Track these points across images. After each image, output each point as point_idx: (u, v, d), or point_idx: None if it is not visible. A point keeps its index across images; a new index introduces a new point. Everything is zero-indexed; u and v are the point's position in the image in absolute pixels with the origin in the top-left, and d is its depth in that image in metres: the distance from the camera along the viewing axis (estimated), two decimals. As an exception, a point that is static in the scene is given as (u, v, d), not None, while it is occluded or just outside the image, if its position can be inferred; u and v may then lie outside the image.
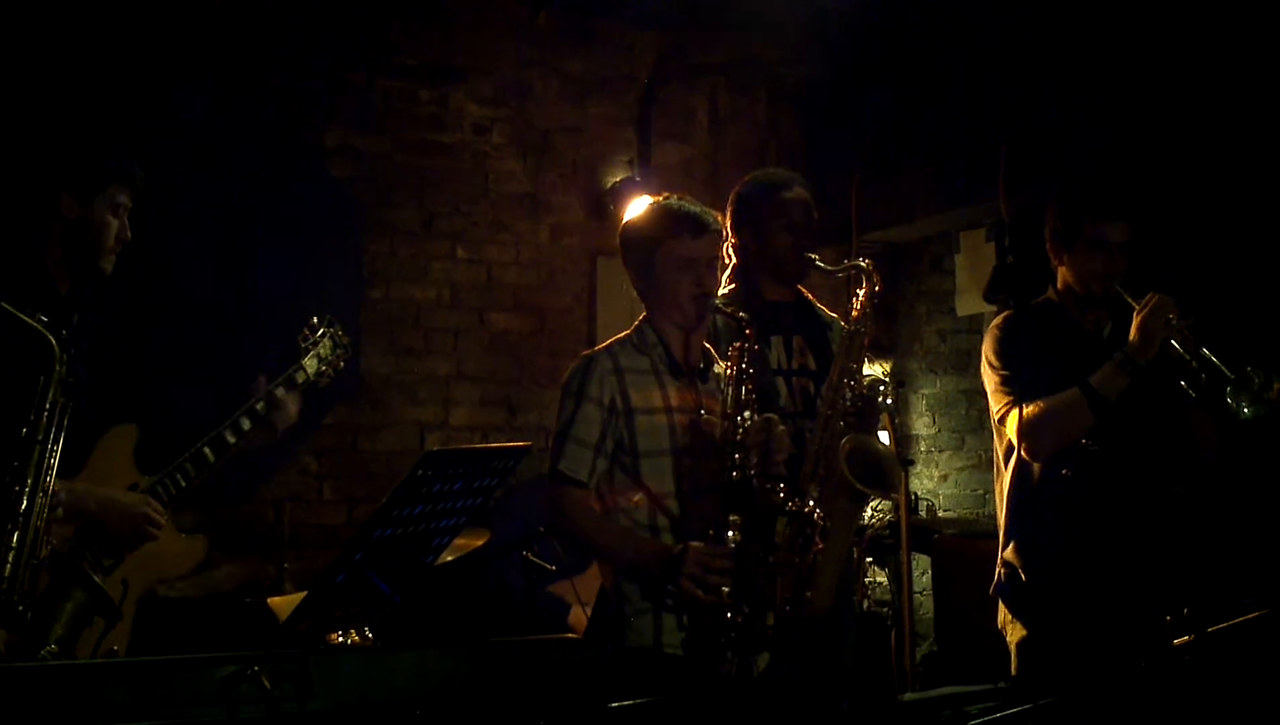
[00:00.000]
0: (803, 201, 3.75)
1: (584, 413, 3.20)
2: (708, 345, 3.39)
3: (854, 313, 3.58)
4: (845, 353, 3.55)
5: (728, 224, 3.81)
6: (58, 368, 2.69)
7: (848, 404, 3.49)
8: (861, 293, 3.59)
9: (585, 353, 3.35)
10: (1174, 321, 3.45)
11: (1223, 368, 3.36)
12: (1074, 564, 3.54)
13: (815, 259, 3.68)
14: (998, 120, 5.59)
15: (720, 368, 3.36)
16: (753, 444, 3.16)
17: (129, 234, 3.23)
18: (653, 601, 3.15)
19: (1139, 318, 3.48)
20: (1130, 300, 3.54)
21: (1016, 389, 3.62)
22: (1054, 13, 5.30)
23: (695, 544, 3.08)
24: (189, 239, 5.25)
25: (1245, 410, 3.33)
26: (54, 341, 2.70)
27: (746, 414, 3.16)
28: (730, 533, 3.10)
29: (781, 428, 3.28)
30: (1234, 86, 4.79)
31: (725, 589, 3.06)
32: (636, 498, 3.21)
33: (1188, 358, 3.42)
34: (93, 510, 3.10)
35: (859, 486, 3.35)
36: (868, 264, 3.62)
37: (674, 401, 3.25)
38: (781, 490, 3.26)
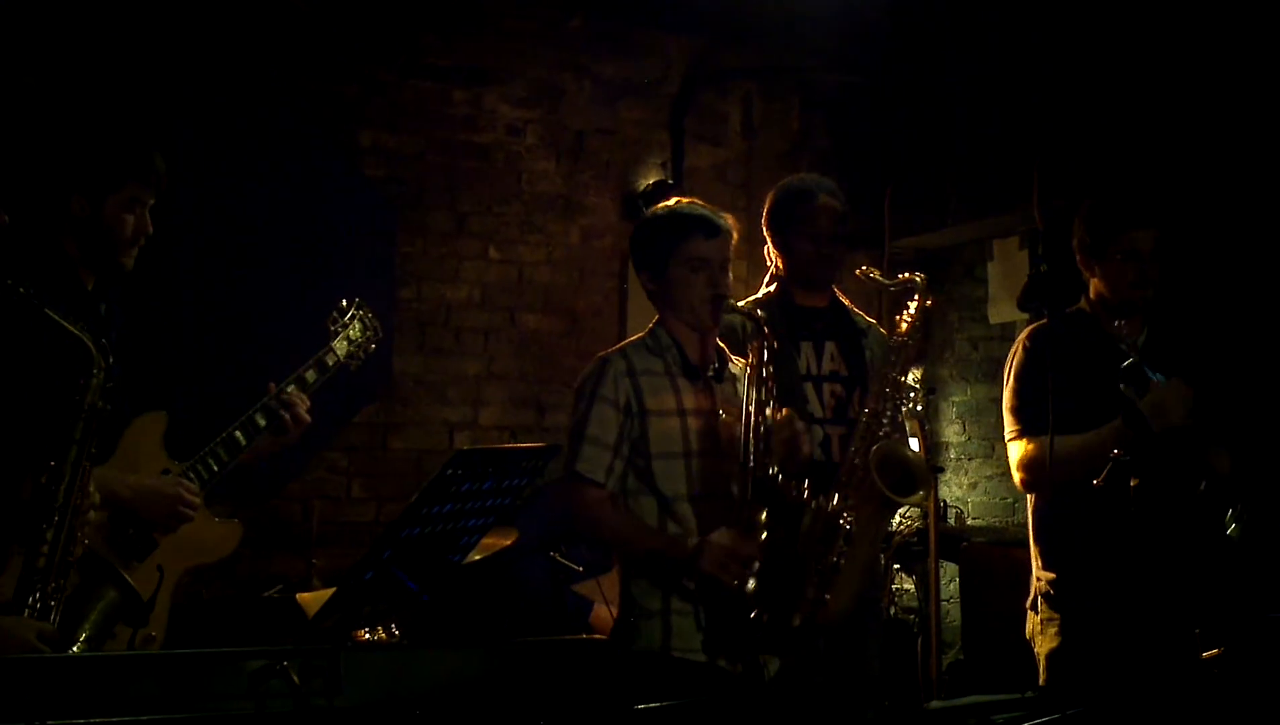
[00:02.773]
0: (830, 209, 3.74)
1: (599, 413, 3.19)
2: (722, 345, 3.37)
3: (903, 326, 3.59)
4: (891, 364, 3.55)
5: (764, 229, 3.83)
6: (96, 373, 2.71)
7: (888, 416, 3.48)
8: (913, 306, 3.58)
9: (599, 354, 3.34)
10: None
11: None
12: (1105, 574, 3.53)
13: (874, 274, 3.68)
14: (1032, 127, 5.57)
15: (737, 368, 3.35)
16: (776, 440, 3.15)
17: (150, 228, 3.20)
18: (662, 604, 3.15)
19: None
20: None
21: (1025, 420, 3.66)
22: (1090, 21, 5.28)
23: (723, 530, 3.07)
24: (222, 238, 5.30)
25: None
26: (94, 349, 2.72)
27: (768, 412, 3.15)
28: (756, 530, 3.08)
29: (802, 424, 3.28)
30: (1264, 91, 4.76)
31: (750, 585, 3.04)
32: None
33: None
34: (125, 496, 3.11)
35: (890, 494, 3.34)
36: (921, 279, 3.62)
37: (688, 404, 3.23)
38: (805, 488, 3.26)
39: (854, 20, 5.76)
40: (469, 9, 5.85)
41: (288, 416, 3.37)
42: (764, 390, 3.16)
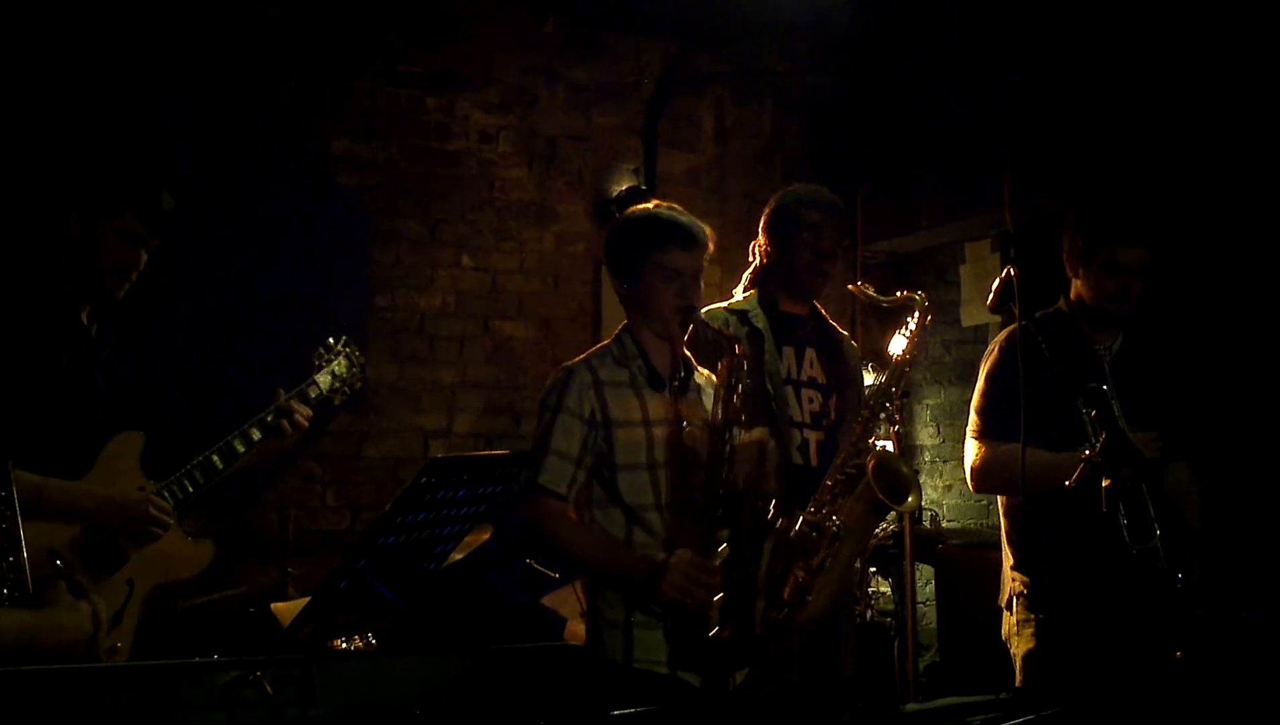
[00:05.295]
0: (833, 225, 3.76)
1: (563, 425, 3.17)
2: (688, 355, 3.34)
3: (907, 343, 3.62)
4: (891, 379, 3.61)
5: (760, 226, 3.83)
6: None
7: (879, 427, 3.54)
8: (913, 324, 3.62)
9: (564, 364, 3.32)
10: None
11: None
12: (1079, 575, 3.54)
13: (869, 290, 3.72)
14: (1002, 131, 5.59)
15: (702, 378, 3.34)
16: (742, 459, 3.13)
17: (141, 266, 3.27)
18: (625, 616, 3.13)
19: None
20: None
21: (987, 425, 3.71)
22: (1061, 24, 5.31)
23: (684, 552, 3.06)
24: (196, 248, 5.27)
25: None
26: None
27: (735, 431, 3.12)
28: (719, 548, 3.06)
29: (774, 444, 3.26)
30: (1246, 98, 4.79)
31: (712, 603, 3.03)
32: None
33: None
34: (91, 509, 3.12)
35: (885, 499, 3.36)
36: (920, 297, 3.65)
37: (652, 414, 3.22)
38: (772, 508, 3.25)
39: (826, 24, 5.77)
40: (441, 15, 5.85)
41: (285, 422, 3.44)
42: (731, 411, 3.14)
